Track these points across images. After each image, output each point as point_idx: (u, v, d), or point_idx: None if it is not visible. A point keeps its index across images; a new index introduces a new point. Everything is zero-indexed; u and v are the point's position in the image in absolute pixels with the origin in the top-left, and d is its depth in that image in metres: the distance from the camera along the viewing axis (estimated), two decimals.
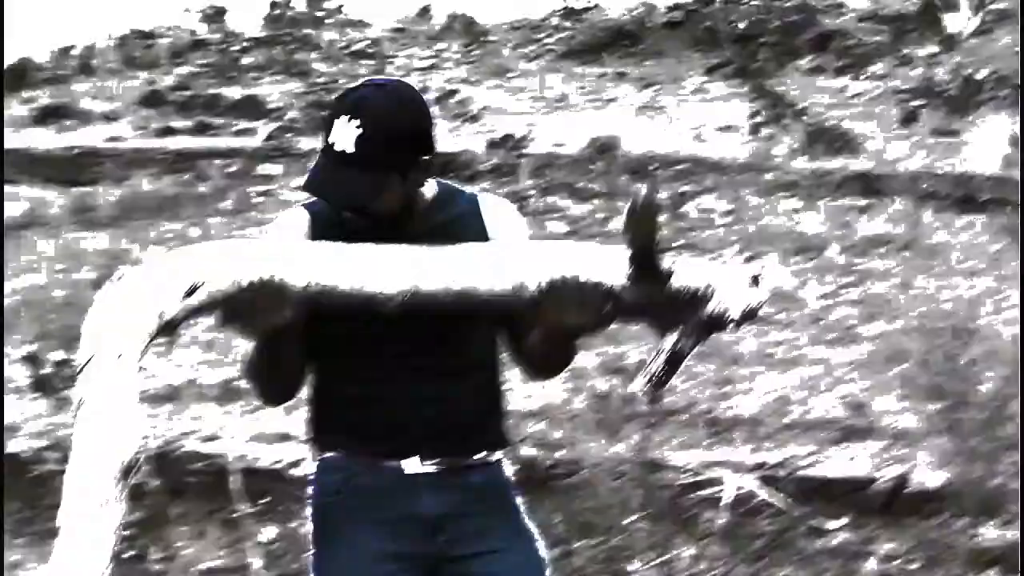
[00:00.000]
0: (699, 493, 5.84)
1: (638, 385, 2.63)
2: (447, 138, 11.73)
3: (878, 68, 13.79)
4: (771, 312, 8.40)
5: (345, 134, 2.63)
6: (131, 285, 2.45)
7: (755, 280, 2.58)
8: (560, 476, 6.19)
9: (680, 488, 5.84)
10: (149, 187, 12.03)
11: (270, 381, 2.79)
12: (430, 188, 2.78)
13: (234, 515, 6.11)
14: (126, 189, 12.05)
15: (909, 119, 12.15)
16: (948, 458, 6.09)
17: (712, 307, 2.56)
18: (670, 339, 2.59)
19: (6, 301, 9.32)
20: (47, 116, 14.05)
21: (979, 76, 12.73)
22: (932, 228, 9.85)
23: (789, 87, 13.33)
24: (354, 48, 15.86)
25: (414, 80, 14.10)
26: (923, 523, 6.02)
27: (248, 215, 10.86)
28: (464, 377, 2.78)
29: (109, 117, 13.95)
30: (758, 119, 12.11)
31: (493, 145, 11.87)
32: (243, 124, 13.45)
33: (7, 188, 12.10)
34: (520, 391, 6.76)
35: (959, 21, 14.41)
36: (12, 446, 7.08)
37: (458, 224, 2.74)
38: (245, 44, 16.03)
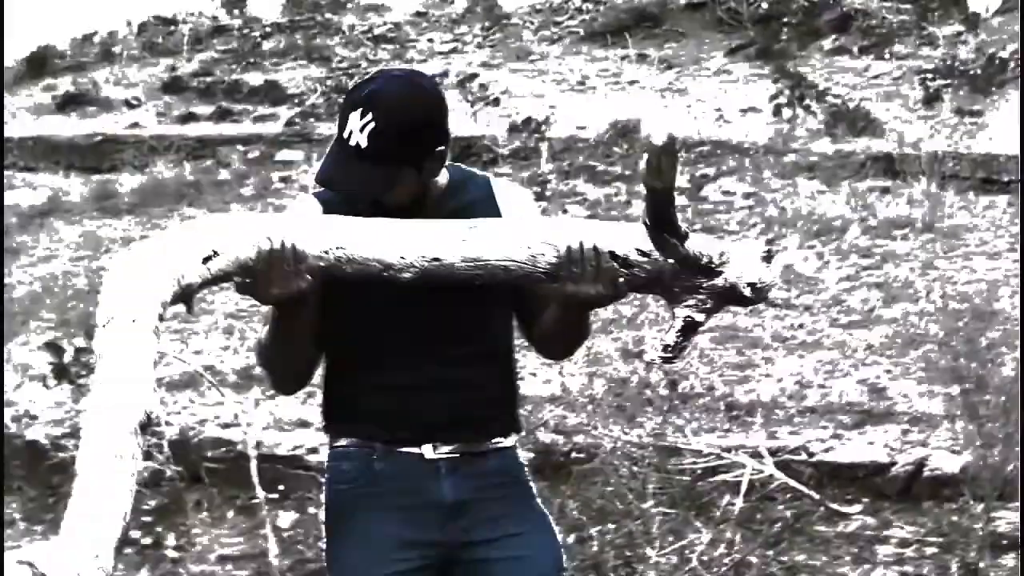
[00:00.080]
0: (716, 478, 5.82)
1: (653, 354, 2.63)
2: (468, 122, 11.72)
3: (901, 48, 13.68)
4: (790, 295, 8.37)
5: (358, 128, 2.63)
6: (150, 250, 2.46)
7: (767, 256, 2.57)
8: (578, 461, 6.19)
9: (698, 473, 5.82)
10: (170, 174, 12.07)
11: (284, 364, 2.78)
12: (443, 174, 2.78)
13: (252, 502, 6.13)
14: (147, 176, 12.08)
15: (932, 99, 12.06)
16: (967, 443, 6.06)
17: (727, 276, 2.55)
18: (684, 309, 2.58)
19: (26, 289, 9.37)
20: (68, 103, 14.10)
21: (1003, 55, 12.62)
22: (954, 209, 9.78)
23: (811, 68, 13.26)
24: (375, 32, 15.84)
25: (435, 64, 14.10)
26: (940, 508, 6.00)
27: (269, 201, 10.87)
28: (479, 363, 2.77)
29: (130, 104, 13.98)
30: (780, 100, 12.04)
31: (514, 129, 11.84)
32: (264, 110, 13.45)
33: (27, 176, 12.17)
34: (538, 376, 6.77)
35: None
36: (31, 434, 7.12)
37: (471, 211, 2.72)
38: (266, 29, 16.02)
